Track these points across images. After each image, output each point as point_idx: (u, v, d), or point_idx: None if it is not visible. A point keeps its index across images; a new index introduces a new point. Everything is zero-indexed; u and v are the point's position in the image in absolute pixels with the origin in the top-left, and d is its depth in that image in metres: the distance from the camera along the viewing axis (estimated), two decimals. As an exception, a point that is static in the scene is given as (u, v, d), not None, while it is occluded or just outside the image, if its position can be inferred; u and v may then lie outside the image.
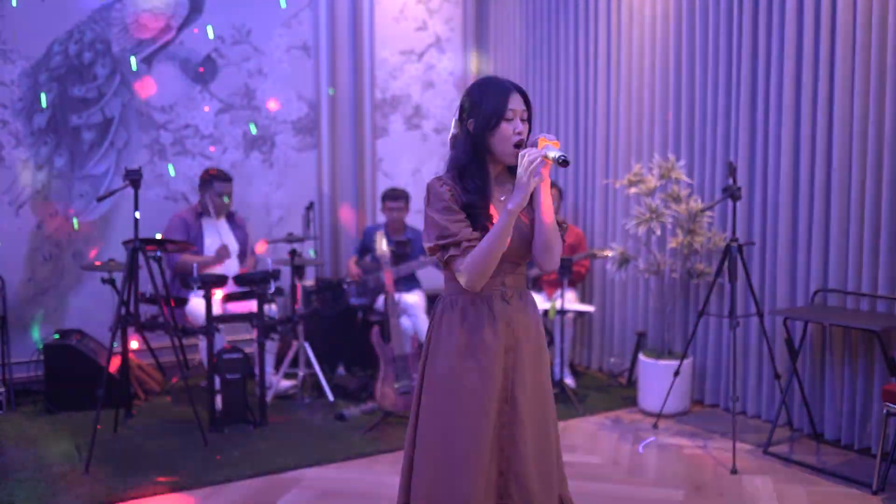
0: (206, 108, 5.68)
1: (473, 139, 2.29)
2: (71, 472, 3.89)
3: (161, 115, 5.60)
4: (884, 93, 3.90)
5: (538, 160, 2.14)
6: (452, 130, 2.38)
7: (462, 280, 2.24)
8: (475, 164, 2.29)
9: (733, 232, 4.24)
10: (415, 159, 6.72)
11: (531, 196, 2.24)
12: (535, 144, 2.21)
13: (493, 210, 2.31)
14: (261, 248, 5.74)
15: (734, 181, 4.19)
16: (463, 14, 6.83)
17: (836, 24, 4.07)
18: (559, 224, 2.36)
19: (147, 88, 5.50)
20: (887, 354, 3.83)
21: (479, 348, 2.28)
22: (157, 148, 5.60)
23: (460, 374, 2.28)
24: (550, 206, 2.26)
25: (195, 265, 4.59)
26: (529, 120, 2.32)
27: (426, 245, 2.29)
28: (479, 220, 2.26)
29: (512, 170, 2.33)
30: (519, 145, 2.25)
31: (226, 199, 5.20)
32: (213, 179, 5.17)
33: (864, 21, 3.95)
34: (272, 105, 5.96)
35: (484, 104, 2.27)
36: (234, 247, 5.28)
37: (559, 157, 2.13)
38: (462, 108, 2.33)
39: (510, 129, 2.26)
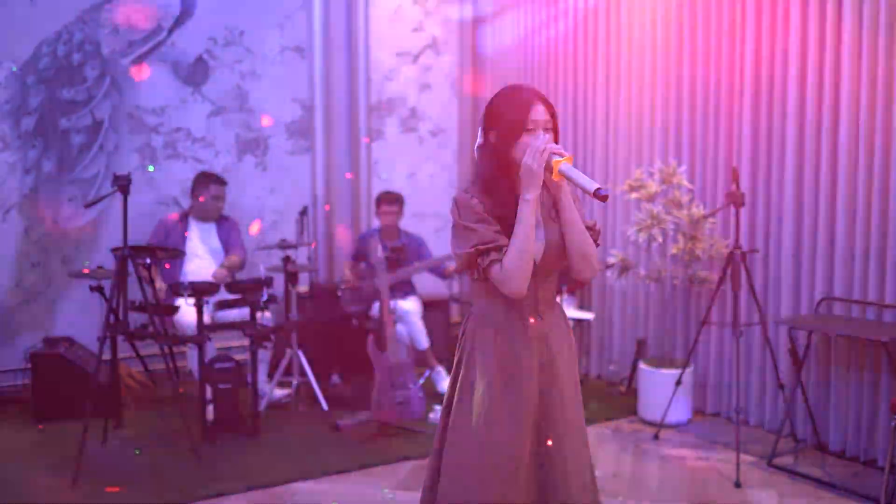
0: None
1: (496, 152, 2.24)
2: (58, 486, 3.78)
3: (152, 117, 5.49)
4: (891, 98, 3.82)
5: (545, 150, 2.11)
6: (478, 140, 2.32)
7: (504, 286, 2.17)
8: (503, 176, 2.24)
9: (736, 239, 4.16)
10: (410, 162, 6.62)
11: (557, 204, 2.20)
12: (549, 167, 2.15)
13: None
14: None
15: (737, 187, 4.11)
16: (459, 15, 6.73)
17: (843, 27, 3.99)
18: (591, 227, 2.31)
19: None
20: (895, 366, 3.75)
21: (513, 365, 2.25)
22: (148, 151, 5.49)
23: (496, 390, 2.23)
24: (575, 211, 2.22)
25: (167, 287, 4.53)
26: (555, 130, 2.26)
27: (460, 252, 2.21)
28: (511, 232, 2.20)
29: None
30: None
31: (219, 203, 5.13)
32: (209, 182, 5.08)
33: (872, 24, 3.87)
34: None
35: (505, 115, 2.22)
36: (217, 250, 5.17)
37: (597, 189, 2.06)
38: (484, 119, 2.28)
39: (531, 141, 2.18)
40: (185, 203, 5.54)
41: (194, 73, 5.61)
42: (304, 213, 5.53)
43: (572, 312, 5.21)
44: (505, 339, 2.26)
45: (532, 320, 2.27)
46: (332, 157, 6.18)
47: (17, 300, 5.12)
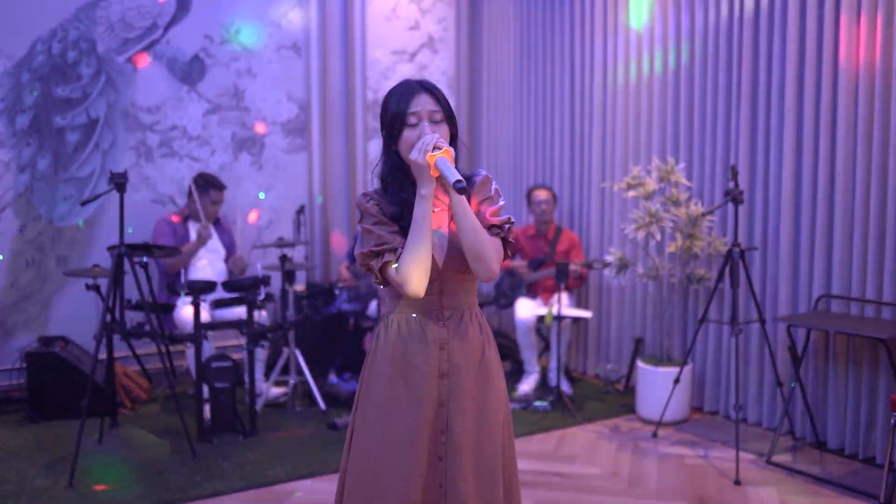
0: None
1: (387, 149, 2.14)
2: (54, 486, 3.76)
3: (147, 116, 5.46)
4: (889, 94, 3.82)
5: (431, 140, 1.98)
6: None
7: (403, 287, 2.04)
8: (394, 174, 2.13)
9: (735, 236, 4.15)
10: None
11: (451, 203, 2.05)
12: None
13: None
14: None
15: (736, 185, 4.10)
16: (456, 13, 6.72)
17: (840, 24, 3.99)
18: (499, 226, 2.12)
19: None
20: (894, 363, 3.75)
21: (409, 373, 2.12)
22: (144, 150, 5.46)
23: (390, 399, 2.12)
24: (466, 208, 2.04)
25: (181, 260, 4.51)
26: (449, 121, 2.12)
27: (358, 254, 2.12)
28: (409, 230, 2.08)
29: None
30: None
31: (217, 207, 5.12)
32: (210, 186, 5.06)
33: (869, 22, 3.87)
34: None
35: (389, 110, 2.11)
36: (220, 252, 5.17)
37: (456, 181, 1.94)
38: (380, 118, 2.19)
39: (414, 135, 2.06)
40: (180, 201, 5.52)
41: (190, 71, 5.59)
42: (300, 211, 5.51)
43: (571, 311, 5.20)
44: (404, 343, 2.14)
45: (435, 326, 2.14)
46: (328, 155, 6.15)
47: (12, 299, 5.08)
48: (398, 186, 2.13)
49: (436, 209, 2.13)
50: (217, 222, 5.23)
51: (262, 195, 5.50)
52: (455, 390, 2.13)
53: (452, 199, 2.03)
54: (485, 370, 2.19)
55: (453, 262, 2.11)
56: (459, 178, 1.94)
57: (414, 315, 2.14)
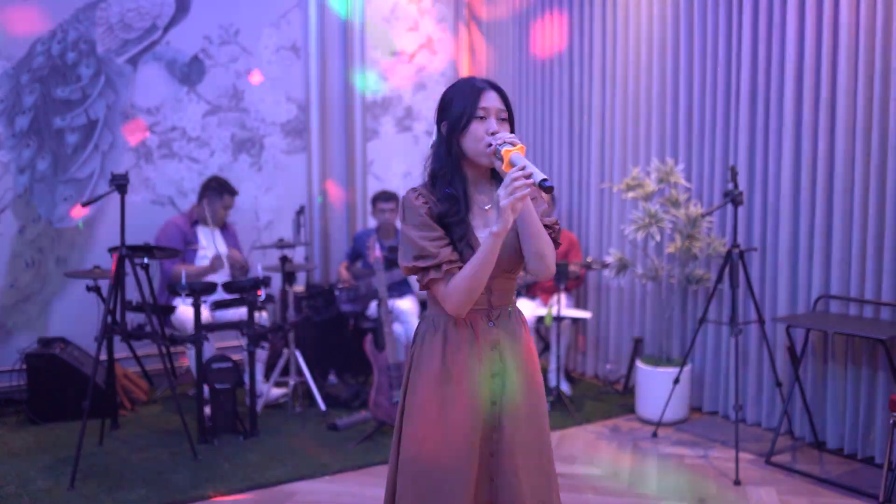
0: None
1: (447, 142, 2.13)
2: (55, 487, 3.76)
3: (147, 116, 5.46)
4: (888, 96, 3.83)
5: (523, 184, 1.93)
6: (432, 138, 2.23)
7: (446, 306, 2.07)
8: (448, 169, 2.13)
9: (734, 237, 4.17)
10: (406, 162, 6.61)
11: None
12: (497, 153, 2.03)
13: (474, 218, 2.14)
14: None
15: (736, 186, 4.11)
16: (455, 14, 6.72)
17: (839, 25, 4.00)
18: (550, 226, 2.18)
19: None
20: (893, 363, 3.76)
21: (461, 374, 2.12)
22: (144, 151, 5.46)
23: (442, 402, 2.12)
24: (532, 210, 2.07)
25: (185, 274, 4.50)
26: (510, 121, 2.15)
27: (402, 264, 2.12)
28: (455, 231, 2.09)
29: (495, 174, 2.18)
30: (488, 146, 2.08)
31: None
32: (224, 192, 5.06)
33: (868, 24, 3.89)
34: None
35: (456, 103, 2.12)
36: (223, 254, 5.17)
37: (542, 180, 1.93)
38: (437, 112, 2.19)
39: (482, 129, 2.08)
40: (180, 202, 5.52)
41: (190, 73, 5.59)
42: (300, 212, 5.52)
43: (570, 312, 5.21)
44: (454, 345, 2.13)
45: (485, 326, 2.15)
46: (327, 156, 6.16)
47: (12, 300, 5.08)
48: (448, 181, 2.13)
49: (486, 207, 2.16)
50: (224, 226, 5.22)
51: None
52: (506, 388, 2.15)
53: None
54: (530, 365, 2.23)
55: (503, 262, 2.11)
56: (545, 176, 1.94)
57: (464, 317, 2.14)
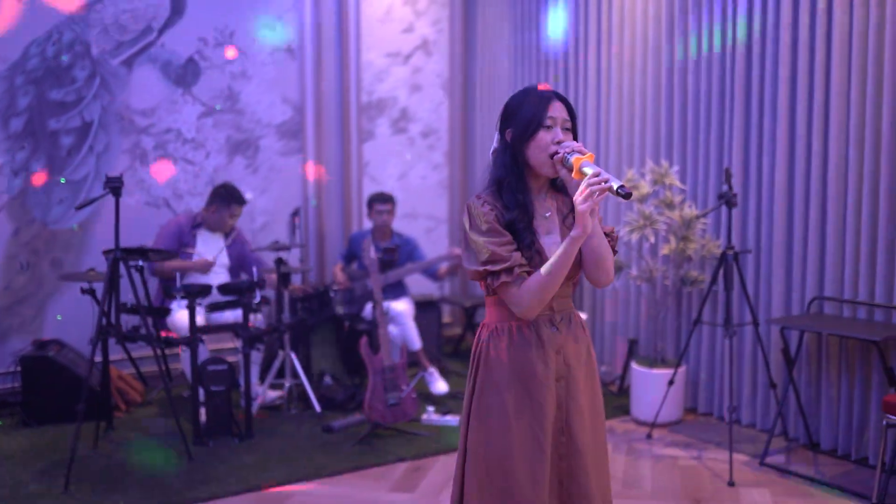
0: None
1: (512, 150, 2.17)
2: (49, 491, 3.76)
3: (142, 118, 5.46)
4: (881, 99, 3.85)
5: (600, 188, 1.96)
6: (494, 145, 2.24)
7: (516, 309, 2.11)
8: (514, 177, 2.16)
9: (729, 239, 4.18)
10: (401, 163, 6.62)
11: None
12: (566, 162, 2.06)
13: (537, 227, 2.16)
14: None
15: (730, 188, 4.13)
16: (450, 16, 6.73)
17: (833, 28, 4.02)
18: (609, 234, 2.22)
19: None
20: (886, 365, 3.78)
21: (529, 380, 2.16)
22: (138, 153, 5.46)
23: (512, 409, 2.16)
24: (597, 222, 2.12)
25: (177, 273, 4.50)
26: (574, 131, 2.18)
27: (470, 268, 2.14)
28: (523, 238, 2.12)
29: (554, 183, 2.22)
30: (554, 155, 2.12)
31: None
32: (233, 200, 4.99)
33: (861, 28, 3.90)
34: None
35: (523, 111, 2.15)
36: (223, 262, 5.11)
37: (620, 186, 1.95)
38: (501, 119, 2.21)
39: (548, 138, 2.12)
40: (175, 205, 5.52)
41: (185, 74, 5.59)
42: (295, 214, 5.52)
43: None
44: (519, 351, 2.17)
45: (549, 331, 2.19)
46: (323, 157, 6.16)
47: (7, 302, 5.08)
48: (514, 188, 2.16)
49: (546, 214, 2.20)
50: (229, 232, 5.17)
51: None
52: (572, 392, 2.21)
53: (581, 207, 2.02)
54: (591, 368, 2.29)
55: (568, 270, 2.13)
56: (622, 182, 1.98)
57: (528, 323, 2.17)
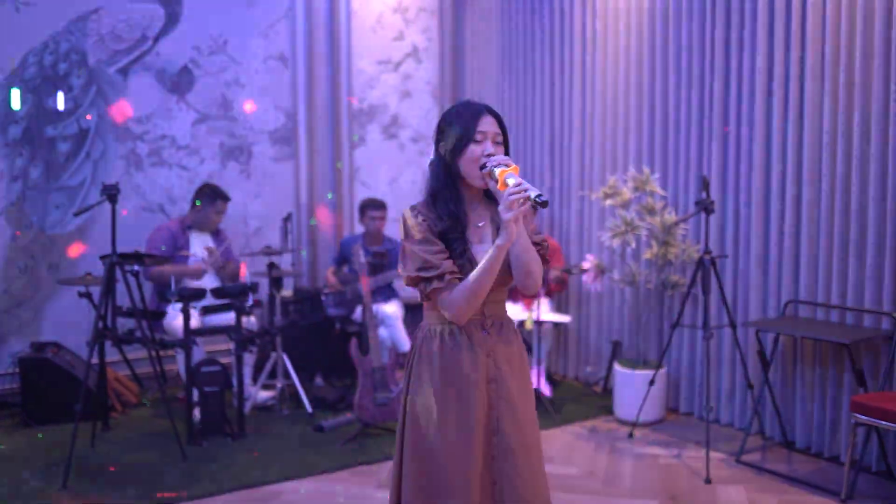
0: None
1: (445, 163, 2.26)
2: (48, 488, 3.88)
3: (137, 125, 5.58)
4: (852, 109, 3.99)
5: (520, 198, 2.06)
6: (431, 157, 2.35)
7: (448, 313, 2.21)
8: (447, 189, 2.26)
9: (706, 244, 4.31)
10: (392, 169, 6.74)
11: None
12: (493, 174, 2.15)
13: (470, 236, 2.26)
14: (243, 271, 5.54)
15: (707, 195, 4.26)
16: (440, 24, 6.86)
17: (806, 41, 4.17)
18: (539, 243, 2.30)
19: (124, 111, 5.49)
20: (856, 366, 3.92)
21: (459, 381, 2.24)
22: (134, 159, 5.58)
23: (443, 407, 2.24)
24: (523, 230, 2.19)
25: (172, 276, 4.61)
26: (505, 144, 2.28)
27: (404, 275, 2.25)
28: (455, 247, 2.22)
29: (489, 194, 2.29)
30: (483, 167, 2.20)
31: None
32: (217, 198, 5.15)
33: (833, 42, 4.05)
34: (248, 107, 5.95)
35: (454, 126, 2.24)
36: (216, 262, 5.24)
37: (537, 196, 2.07)
38: (436, 133, 2.31)
39: (479, 151, 2.20)
40: (170, 210, 5.63)
41: (179, 82, 5.71)
42: (287, 219, 5.63)
43: (551, 316, 5.36)
44: (450, 353, 2.25)
45: (480, 335, 2.27)
46: (315, 163, 6.28)
47: (5, 305, 5.19)
48: (447, 199, 2.26)
49: (479, 224, 2.29)
50: (217, 233, 5.31)
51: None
52: (502, 394, 2.28)
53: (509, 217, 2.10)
54: (523, 371, 2.37)
55: (498, 277, 2.21)
56: (540, 192, 2.07)
57: (460, 326, 2.26)
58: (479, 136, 2.22)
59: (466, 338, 2.27)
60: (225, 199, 5.21)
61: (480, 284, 2.16)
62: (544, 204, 2.06)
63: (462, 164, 2.23)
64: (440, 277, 2.18)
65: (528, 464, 2.28)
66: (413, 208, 2.27)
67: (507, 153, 2.28)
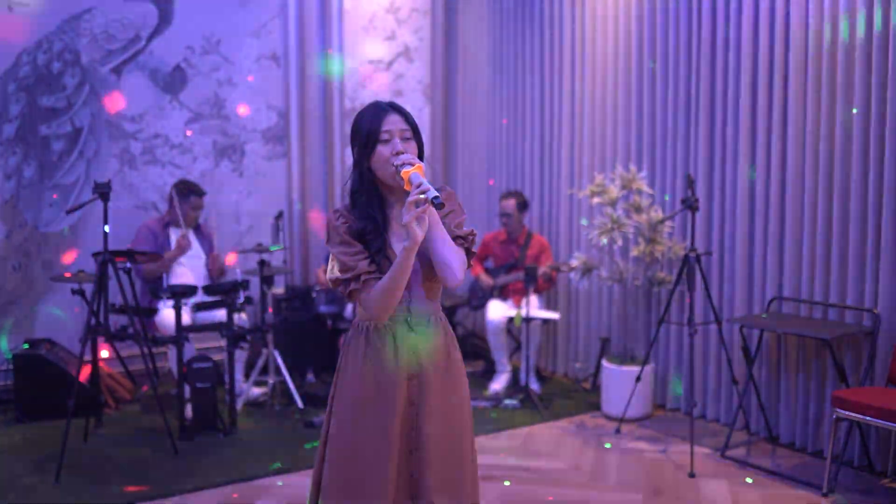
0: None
1: (359, 165, 2.30)
2: (41, 483, 3.92)
3: (131, 124, 5.63)
4: (834, 109, 4.05)
5: (418, 202, 2.10)
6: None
7: (366, 313, 2.28)
8: (363, 190, 2.29)
9: (692, 242, 4.37)
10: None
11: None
12: (398, 173, 2.19)
13: (393, 233, 2.30)
14: (231, 259, 5.74)
15: (693, 193, 4.32)
16: (431, 24, 6.90)
17: (790, 42, 4.22)
18: (464, 237, 2.33)
19: (116, 103, 5.53)
20: (837, 361, 3.98)
21: (380, 377, 2.30)
22: (127, 157, 5.62)
23: (364, 400, 2.31)
24: (439, 223, 2.24)
25: (164, 273, 4.66)
26: (417, 139, 2.31)
27: (329, 278, 2.31)
28: (372, 246, 2.26)
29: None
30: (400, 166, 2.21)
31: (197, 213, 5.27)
32: (190, 193, 5.20)
33: (815, 43, 4.11)
34: (242, 110, 6.01)
35: (362, 128, 2.28)
36: (200, 257, 5.30)
37: (434, 198, 2.09)
38: (350, 137, 2.35)
39: (387, 151, 2.24)
40: (163, 208, 5.68)
41: (172, 81, 5.75)
42: (279, 217, 5.69)
43: (539, 313, 5.41)
44: (373, 349, 2.31)
45: (403, 332, 2.31)
46: (307, 162, 6.33)
47: (0, 302, 5.25)
48: (366, 201, 2.30)
49: (403, 222, 2.29)
50: (197, 228, 5.37)
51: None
52: (423, 390, 2.32)
53: (425, 215, 2.16)
54: (450, 370, 2.40)
55: (422, 271, 2.29)
56: (437, 194, 2.11)
57: (386, 323, 2.31)
58: (385, 136, 2.25)
59: (391, 335, 2.32)
60: (199, 193, 5.26)
61: (394, 284, 2.19)
62: (440, 206, 2.10)
63: (375, 166, 2.28)
64: (357, 279, 2.24)
65: (445, 457, 2.33)
66: (336, 211, 2.32)
67: (420, 148, 2.32)
